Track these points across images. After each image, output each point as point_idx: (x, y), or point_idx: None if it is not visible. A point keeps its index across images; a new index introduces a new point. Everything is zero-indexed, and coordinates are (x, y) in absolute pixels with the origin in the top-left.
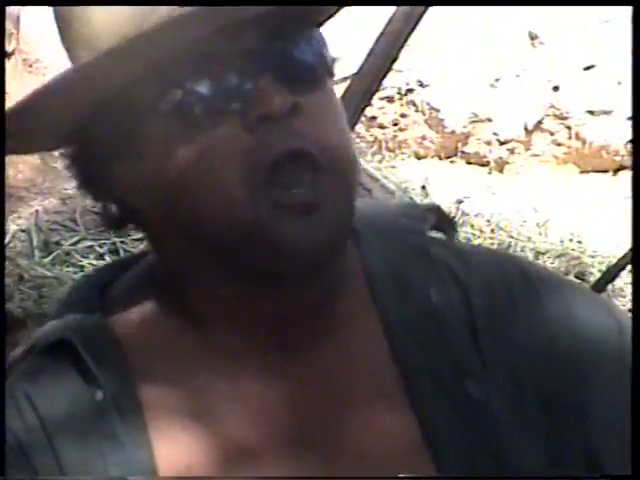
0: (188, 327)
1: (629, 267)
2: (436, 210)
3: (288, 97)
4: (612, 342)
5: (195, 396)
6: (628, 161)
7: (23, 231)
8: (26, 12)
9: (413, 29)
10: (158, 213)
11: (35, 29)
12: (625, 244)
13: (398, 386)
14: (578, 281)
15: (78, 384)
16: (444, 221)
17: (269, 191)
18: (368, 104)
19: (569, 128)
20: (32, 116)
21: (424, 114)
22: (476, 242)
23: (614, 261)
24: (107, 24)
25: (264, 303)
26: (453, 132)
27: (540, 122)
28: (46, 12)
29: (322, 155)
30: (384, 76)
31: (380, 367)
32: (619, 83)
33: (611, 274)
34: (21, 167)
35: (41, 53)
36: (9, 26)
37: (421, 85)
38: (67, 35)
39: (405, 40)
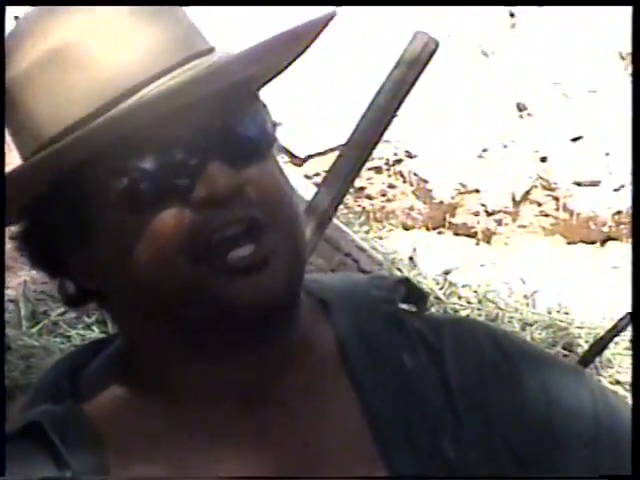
0: (158, 406)
1: (616, 339)
2: (406, 282)
3: (234, 177)
4: (585, 412)
5: (169, 473)
6: (615, 232)
7: (11, 301)
8: None
9: (402, 100)
10: (114, 294)
11: None
12: (613, 315)
13: (371, 446)
14: (566, 352)
15: (48, 467)
16: (414, 293)
17: (211, 258)
18: (357, 175)
19: (557, 199)
20: None
21: (412, 185)
22: (464, 313)
23: (602, 332)
24: (49, 114)
25: (229, 369)
26: (441, 203)
27: (528, 193)
28: None
29: (265, 218)
30: (374, 147)
31: (353, 429)
32: (607, 154)
33: (599, 346)
34: (7, 238)
35: None
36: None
37: (409, 156)
38: (12, 124)
39: (395, 111)
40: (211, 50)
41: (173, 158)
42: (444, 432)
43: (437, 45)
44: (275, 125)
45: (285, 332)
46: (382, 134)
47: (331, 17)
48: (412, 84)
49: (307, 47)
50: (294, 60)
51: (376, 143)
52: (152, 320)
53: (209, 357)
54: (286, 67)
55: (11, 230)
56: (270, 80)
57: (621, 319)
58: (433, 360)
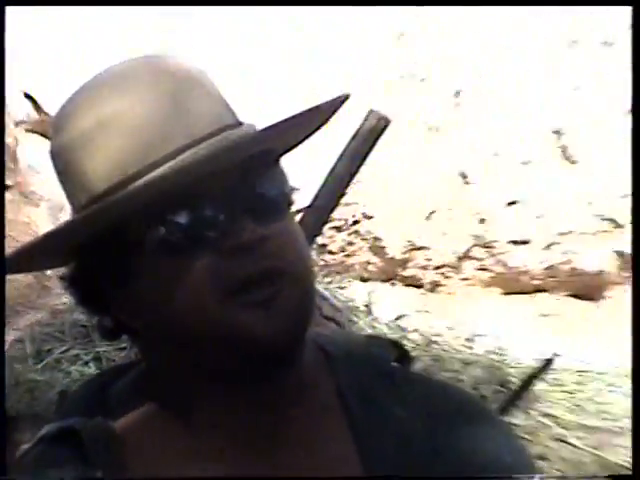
0: (176, 432)
1: (544, 376)
2: (398, 344)
3: (256, 230)
4: (501, 462)
5: None
6: (545, 284)
7: (18, 341)
8: (22, 147)
9: (358, 169)
10: (148, 329)
11: (30, 162)
12: (541, 356)
13: None
14: (500, 389)
15: (80, 469)
16: (403, 354)
17: (235, 298)
18: (319, 233)
19: (494, 255)
20: (45, 248)
21: (368, 242)
22: (413, 354)
23: (530, 371)
24: (100, 173)
25: (242, 404)
26: (393, 258)
27: (469, 250)
28: (42, 146)
29: (283, 267)
30: (333, 209)
31: (348, 468)
32: (537, 217)
33: (528, 382)
34: (16, 285)
35: (36, 185)
36: (9, 163)
37: (366, 217)
38: (67, 183)
39: (351, 179)
40: (240, 124)
41: (203, 214)
42: (423, 468)
43: (388, 122)
44: (292, 189)
45: (292, 369)
46: (340, 198)
47: (345, 99)
48: (366, 155)
49: (322, 125)
50: (310, 135)
51: (335, 206)
52: (180, 353)
53: (225, 390)
54: (302, 141)
55: (60, 271)
56: (289, 150)
57: (547, 360)
58: (417, 412)
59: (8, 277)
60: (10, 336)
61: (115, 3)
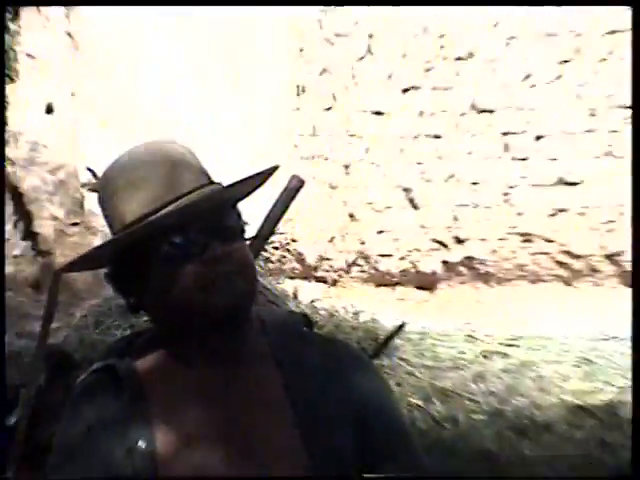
0: (178, 365)
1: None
2: (308, 317)
3: (224, 248)
4: (382, 389)
5: (182, 402)
6: (400, 280)
7: (84, 316)
8: (86, 199)
9: (283, 214)
10: (156, 307)
11: (91, 208)
12: (397, 323)
13: (290, 413)
14: (373, 343)
15: (114, 390)
16: (310, 322)
17: (211, 289)
18: (263, 251)
19: (370, 263)
20: (94, 256)
21: (294, 256)
22: (321, 323)
23: (391, 332)
24: (130, 209)
25: (215, 344)
26: (309, 265)
27: (355, 260)
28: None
29: (240, 269)
30: (269, 238)
31: (279, 401)
32: (395, 240)
33: (389, 339)
34: (81, 280)
35: (95, 222)
36: (78, 208)
37: (293, 240)
38: (108, 217)
39: (280, 220)
40: (213, 182)
41: (190, 237)
42: (331, 404)
43: (304, 182)
44: (244, 223)
45: (242, 329)
46: (274, 232)
47: (275, 169)
48: (289, 205)
49: (261, 185)
50: (254, 191)
51: (271, 236)
52: (174, 322)
53: (200, 343)
54: (248, 195)
55: (104, 272)
56: (241, 199)
57: (400, 325)
58: (328, 364)
59: (76, 274)
60: (78, 313)
61: (115, 3)
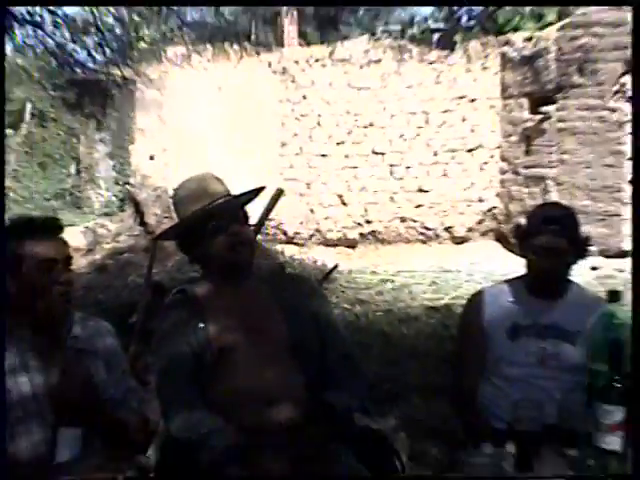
0: (217, 290)
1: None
2: (282, 264)
3: (239, 228)
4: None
5: (221, 307)
6: (336, 242)
7: (172, 265)
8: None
9: (272, 208)
10: (204, 260)
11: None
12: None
13: (283, 325)
14: (322, 276)
15: (185, 302)
16: (282, 267)
17: (233, 251)
18: (259, 231)
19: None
20: (172, 231)
21: (281, 231)
22: (290, 268)
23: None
24: (186, 209)
25: (236, 279)
26: (289, 236)
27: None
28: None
29: (247, 240)
30: (263, 224)
31: (275, 315)
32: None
33: (329, 273)
34: (169, 245)
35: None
36: (166, 209)
37: (281, 224)
38: (176, 212)
39: (269, 212)
40: (229, 194)
41: (222, 222)
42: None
43: (283, 191)
44: (249, 216)
45: (249, 272)
46: (265, 220)
47: (263, 188)
48: (274, 206)
49: (255, 196)
50: (252, 199)
51: (264, 223)
52: (216, 268)
53: (230, 278)
54: (250, 201)
55: (173, 242)
56: (246, 203)
57: (334, 266)
58: (293, 285)
59: (166, 242)
60: (169, 264)
61: (115, 3)
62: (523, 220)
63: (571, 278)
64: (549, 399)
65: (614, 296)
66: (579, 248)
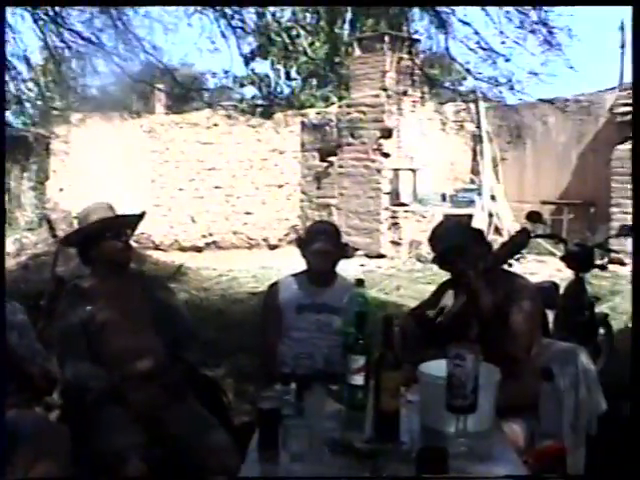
0: (98, 284)
1: None
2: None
3: (126, 237)
4: None
5: (102, 296)
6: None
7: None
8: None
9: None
10: (93, 260)
11: None
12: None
13: (138, 297)
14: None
15: (77, 292)
16: (143, 270)
17: (119, 253)
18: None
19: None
20: (71, 237)
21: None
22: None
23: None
24: (87, 221)
25: (113, 276)
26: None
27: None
28: None
29: (130, 246)
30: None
31: (138, 295)
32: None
33: (178, 269)
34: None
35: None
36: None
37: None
38: (79, 224)
39: None
40: (116, 214)
41: (111, 232)
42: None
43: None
44: (130, 230)
45: (125, 269)
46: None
47: (144, 213)
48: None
49: (140, 219)
50: (136, 221)
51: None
52: (102, 266)
53: (108, 276)
54: (134, 220)
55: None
56: (130, 224)
57: (180, 265)
58: (151, 283)
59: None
60: (72, 263)
61: (116, 3)
62: (302, 233)
63: (337, 270)
64: (319, 352)
65: (360, 282)
66: (341, 251)
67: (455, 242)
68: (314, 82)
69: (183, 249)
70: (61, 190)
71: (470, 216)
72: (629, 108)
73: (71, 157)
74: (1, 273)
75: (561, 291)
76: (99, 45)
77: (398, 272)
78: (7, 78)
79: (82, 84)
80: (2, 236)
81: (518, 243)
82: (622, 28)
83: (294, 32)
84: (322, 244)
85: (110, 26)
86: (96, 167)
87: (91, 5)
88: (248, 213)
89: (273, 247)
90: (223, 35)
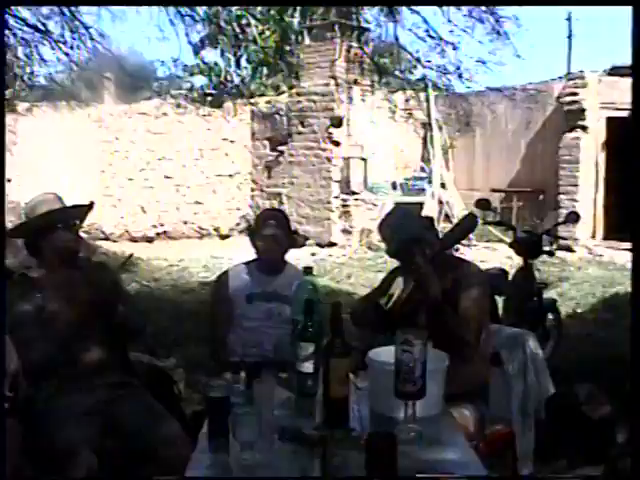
0: (47, 273)
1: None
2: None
3: (73, 228)
4: None
5: (53, 286)
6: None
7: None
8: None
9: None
10: (40, 251)
11: None
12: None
13: (92, 293)
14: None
15: (27, 282)
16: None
17: (67, 243)
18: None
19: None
20: (20, 228)
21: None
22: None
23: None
24: (35, 213)
25: (62, 267)
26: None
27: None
28: None
29: (78, 237)
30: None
31: (85, 285)
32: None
33: (127, 260)
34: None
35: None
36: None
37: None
38: (26, 216)
39: None
40: (65, 205)
41: (59, 223)
42: None
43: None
44: (79, 221)
45: (75, 261)
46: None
47: (92, 203)
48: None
49: (89, 209)
50: (82, 214)
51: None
52: (50, 256)
53: (59, 265)
54: (83, 211)
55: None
56: (77, 217)
57: (129, 255)
58: (99, 271)
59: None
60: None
61: (115, 3)
62: (252, 221)
63: (287, 259)
64: (269, 341)
65: (308, 270)
66: (291, 239)
67: (405, 230)
68: (264, 71)
69: (134, 239)
70: (9, 181)
71: (421, 204)
72: (575, 97)
73: (18, 147)
74: (1, 271)
75: (510, 277)
76: (46, 33)
77: (349, 260)
78: None
79: (29, 72)
80: (2, 233)
81: (465, 228)
82: (569, 19)
83: (244, 21)
84: (272, 229)
85: (57, 13)
86: (44, 157)
87: (93, 5)
88: (199, 203)
89: (224, 237)
90: (172, 23)
